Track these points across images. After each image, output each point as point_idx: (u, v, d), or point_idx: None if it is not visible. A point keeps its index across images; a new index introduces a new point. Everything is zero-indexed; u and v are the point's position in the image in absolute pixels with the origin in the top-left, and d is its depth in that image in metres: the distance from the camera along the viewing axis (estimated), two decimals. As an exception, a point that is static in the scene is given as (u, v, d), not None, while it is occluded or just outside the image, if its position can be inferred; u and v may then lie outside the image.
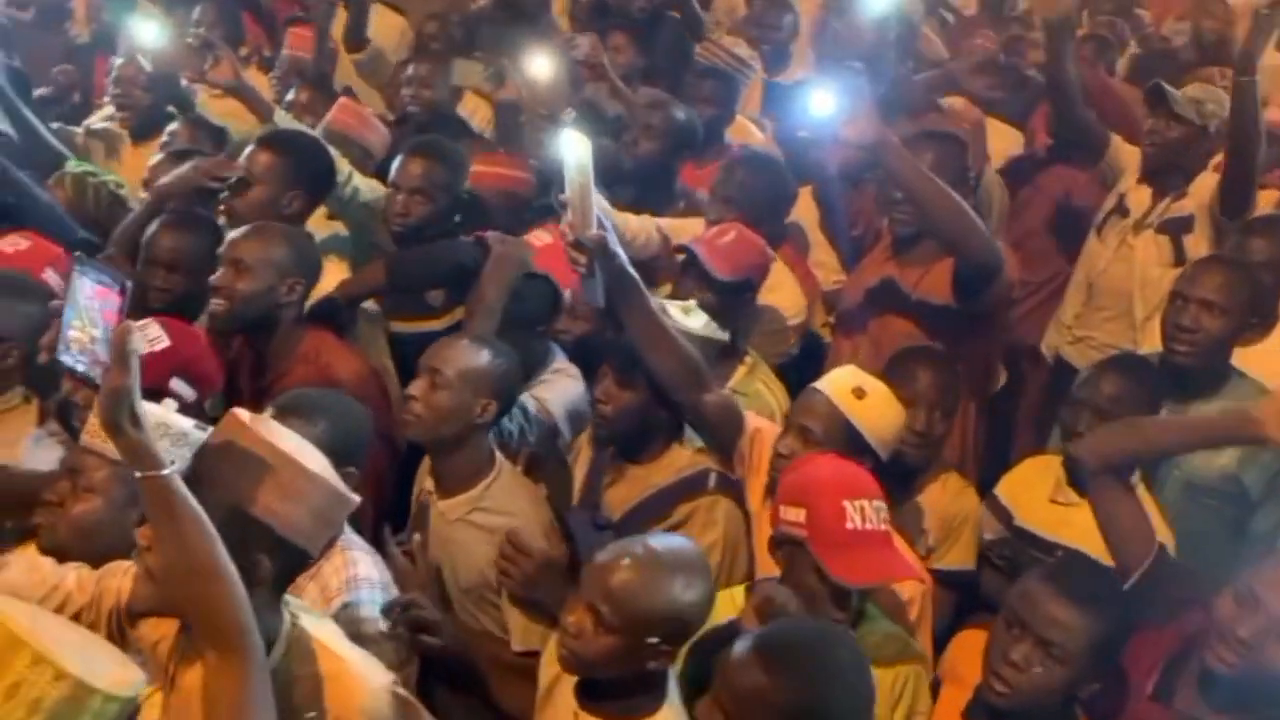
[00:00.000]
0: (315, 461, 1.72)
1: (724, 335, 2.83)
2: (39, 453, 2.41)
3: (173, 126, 3.72)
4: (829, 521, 2.08)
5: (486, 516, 2.44)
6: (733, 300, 2.90)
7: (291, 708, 1.69)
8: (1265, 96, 3.44)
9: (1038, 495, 2.74)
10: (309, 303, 2.85)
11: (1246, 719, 1.96)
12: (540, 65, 3.16)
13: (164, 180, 3.13)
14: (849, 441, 2.40)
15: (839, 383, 2.49)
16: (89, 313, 1.66)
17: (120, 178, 3.33)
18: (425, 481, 2.55)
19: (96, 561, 1.97)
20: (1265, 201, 3.56)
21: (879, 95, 3.12)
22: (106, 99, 4.27)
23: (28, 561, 1.98)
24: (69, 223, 3.11)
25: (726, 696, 1.73)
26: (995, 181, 3.99)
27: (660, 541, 1.94)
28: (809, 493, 2.12)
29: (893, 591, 2.33)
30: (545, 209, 3.31)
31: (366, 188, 3.40)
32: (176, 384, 2.37)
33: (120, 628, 1.86)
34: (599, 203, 2.43)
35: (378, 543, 2.32)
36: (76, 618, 1.87)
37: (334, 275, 3.13)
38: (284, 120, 3.81)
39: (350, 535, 2.22)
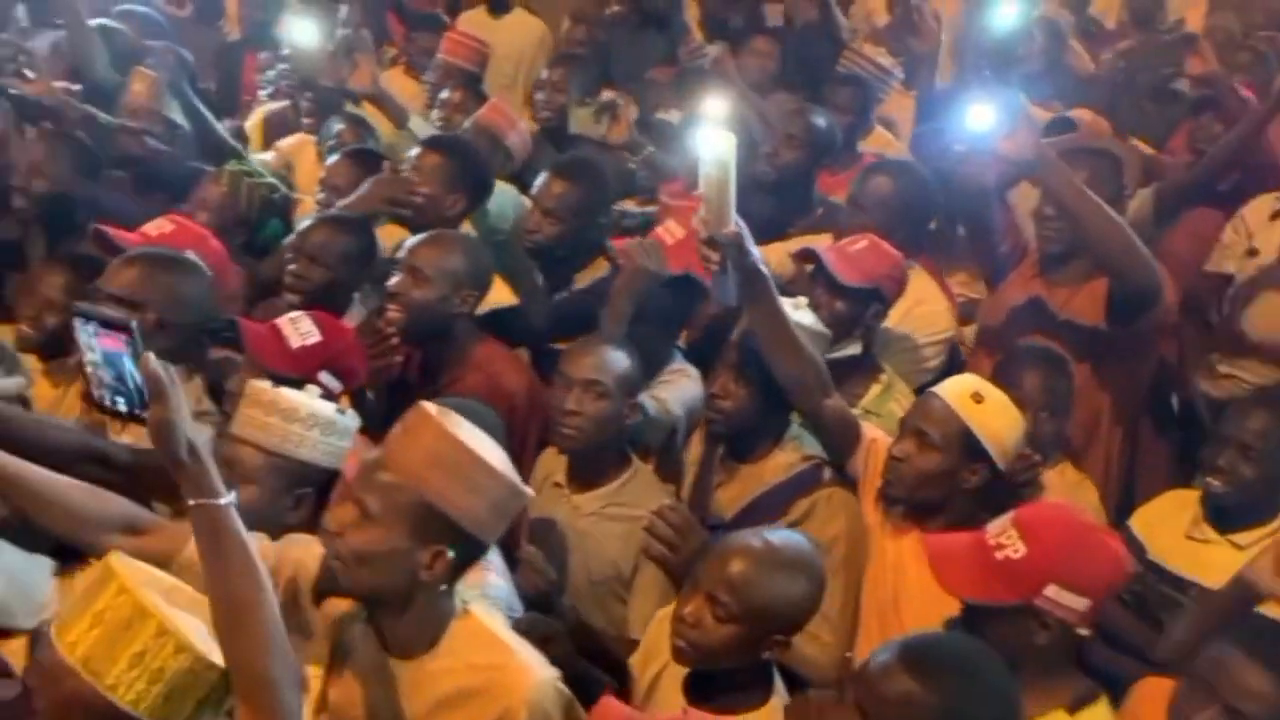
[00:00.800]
0: (495, 456, 1.77)
1: (855, 347, 2.78)
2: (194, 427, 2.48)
3: (337, 127, 3.83)
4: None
5: (622, 510, 2.51)
6: (860, 310, 2.85)
7: (459, 692, 1.73)
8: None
9: (1173, 530, 2.64)
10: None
11: None
12: (716, 106, 3.16)
13: (346, 203, 3.23)
14: (966, 448, 2.36)
15: (957, 387, 2.45)
16: (106, 358, 1.69)
17: (275, 181, 3.42)
18: (553, 474, 2.60)
19: None
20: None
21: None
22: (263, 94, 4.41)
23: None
24: None
25: (871, 702, 1.71)
26: (1147, 200, 3.85)
27: (777, 535, 2.02)
28: (1097, 586, 1.98)
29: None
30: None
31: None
32: (324, 376, 2.43)
33: (294, 597, 1.90)
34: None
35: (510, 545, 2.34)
36: None
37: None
38: (417, 126, 3.91)
39: (494, 555, 2.22)
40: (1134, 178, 3.56)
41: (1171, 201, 3.89)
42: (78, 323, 1.70)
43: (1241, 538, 2.53)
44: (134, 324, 1.65)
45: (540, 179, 3.28)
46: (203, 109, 3.67)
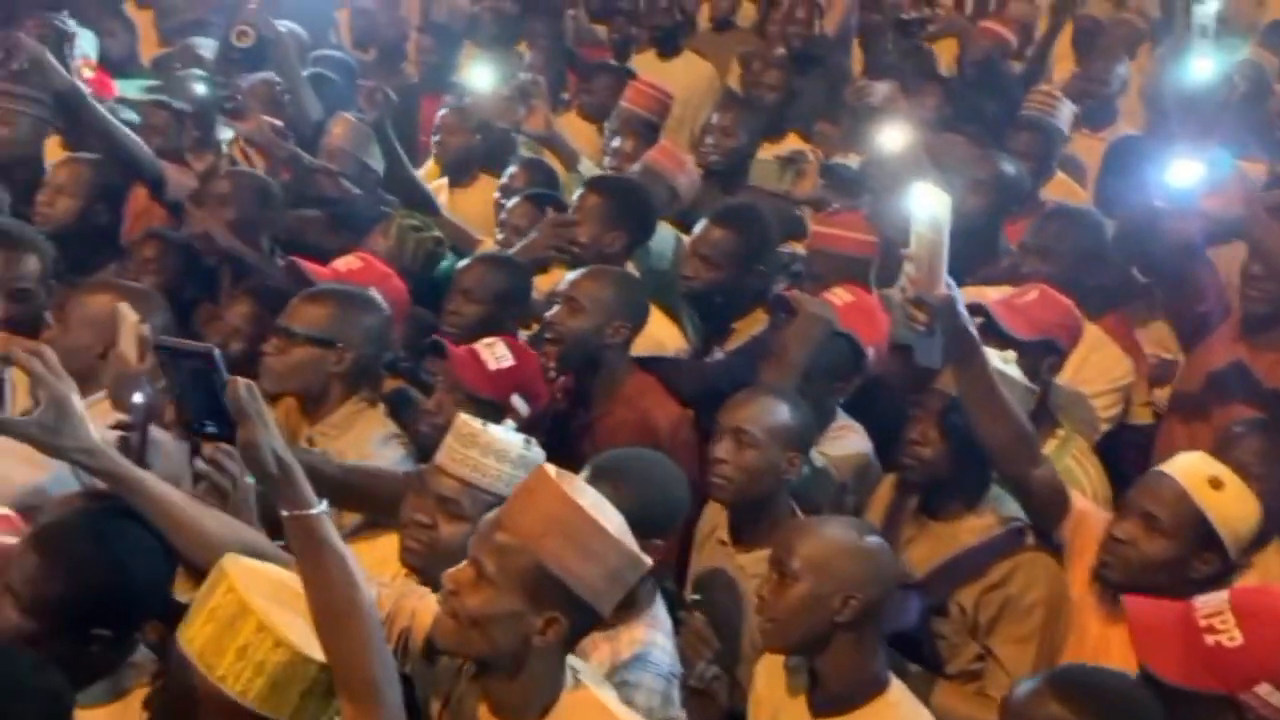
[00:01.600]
0: (613, 521, 1.73)
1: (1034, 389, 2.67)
2: (384, 452, 2.57)
3: (511, 169, 3.91)
4: None
5: None
6: (1034, 363, 2.71)
7: None
8: None
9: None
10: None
11: None
12: (892, 138, 3.10)
13: (518, 249, 3.33)
14: (1199, 537, 2.23)
15: (1192, 469, 2.30)
16: (195, 384, 1.76)
17: (440, 234, 3.50)
18: (718, 529, 2.54)
19: None
20: None
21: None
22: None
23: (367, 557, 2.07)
24: None
25: None
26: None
27: None
28: None
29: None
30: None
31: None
32: (516, 400, 2.51)
33: (405, 647, 1.91)
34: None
35: (670, 593, 2.31)
36: None
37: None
38: (587, 169, 3.95)
39: (658, 609, 2.20)
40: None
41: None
42: (163, 355, 1.80)
43: None
44: (215, 352, 1.73)
45: (699, 225, 3.28)
46: (400, 152, 3.78)
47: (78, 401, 1.81)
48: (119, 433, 1.94)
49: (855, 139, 4.09)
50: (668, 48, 5.53)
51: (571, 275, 2.92)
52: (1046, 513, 2.43)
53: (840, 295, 2.97)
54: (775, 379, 2.73)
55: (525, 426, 2.31)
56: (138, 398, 1.90)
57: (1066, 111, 4.25)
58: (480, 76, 4.23)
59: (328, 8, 6.18)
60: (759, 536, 2.45)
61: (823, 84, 4.94)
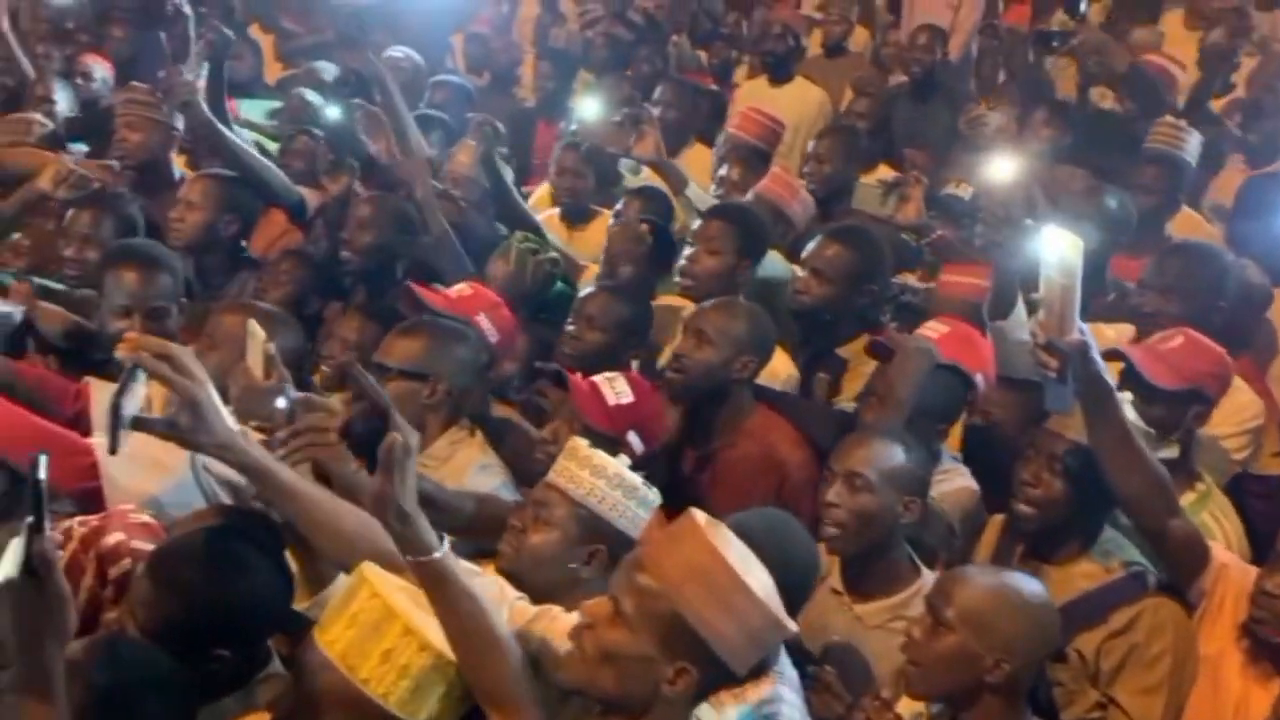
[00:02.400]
0: (759, 580, 1.70)
1: (1173, 451, 2.55)
2: (482, 479, 2.59)
3: (625, 198, 3.93)
4: None
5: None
6: (1178, 413, 2.61)
7: None
8: None
9: None
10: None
11: None
12: (1002, 169, 3.02)
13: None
14: None
15: None
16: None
17: (557, 255, 3.53)
18: (830, 577, 2.47)
19: (537, 593, 2.04)
20: None
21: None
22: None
23: (495, 577, 2.09)
24: None
25: None
26: None
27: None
28: None
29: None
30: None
31: None
32: (632, 437, 2.50)
33: (534, 672, 1.87)
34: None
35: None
36: None
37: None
38: (695, 193, 3.95)
39: (784, 663, 2.10)
40: None
41: None
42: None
43: None
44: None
45: (812, 241, 3.24)
46: (507, 182, 3.84)
47: (213, 398, 1.85)
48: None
49: (966, 168, 4.03)
50: (779, 74, 5.51)
51: (700, 307, 2.89)
52: (1184, 564, 2.33)
53: (935, 327, 2.92)
54: (881, 421, 2.66)
55: (638, 462, 2.31)
56: (281, 403, 1.95)
57: (1194, 144, 4.12)
58: (589, 105, 4.27)
59: (445, 33, 6.34)
60: (876, 585, 2.39)
61: (946, 110, 4.86)
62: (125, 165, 3.84)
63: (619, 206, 3.85)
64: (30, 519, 1.47)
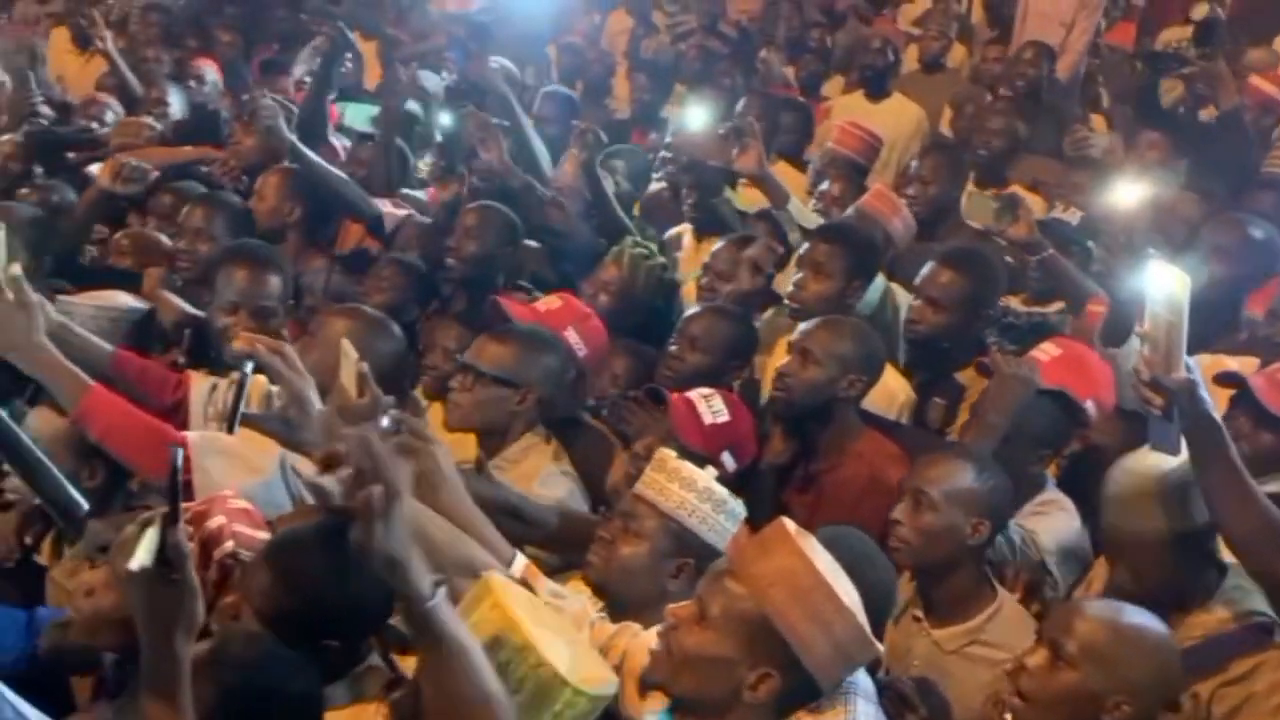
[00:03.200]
0: (848, 594, 1.69)
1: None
2: (550, 485, 2.61)
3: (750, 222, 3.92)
4: None
5: (987, 650, 2.30)
6: (1299, 447, 2.51)
7: None
8: None
9: None
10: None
11: None
12: (1125, 194, 2.96)
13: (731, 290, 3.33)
14: None
15: None
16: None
17: (666, 261, 3.55)
18: (911, 603, 2.43)
19: (627, 606, 2.07)
20: None
21: None
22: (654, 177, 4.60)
23: (581, 596, 2.10)
24: None
25: None
26: None
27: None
28: None
29: None
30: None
31: None
32: (726, 456, 2.49)
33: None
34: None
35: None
36: None
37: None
38: (796, 209, 3.92)
39: (862, 680, 2.07)
40: None
41: None
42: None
43: None
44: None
45: (927, 267, 3.18)
46: (606, 191, 3.86)
47: (315, 398, 1.88)
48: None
49: (1072, 191, 3.93)
50: (876, 89, 5.46)
51: (806, 326, 2.85)
52: None
53: (1047, 350, 2.84)
54: (975, 441, 2.62)
55: (730, 482, 2.29)
56: (385, 423, 1.97)
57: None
58: (693, 116, 4.27)
59: (540, 44, 6.39)
60: (953, 611, 2.35)
61: (1050, 130, 4.76)
62: (237, 169, 3.94)
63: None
64: (166, 510, 1.49)
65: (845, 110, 5.34)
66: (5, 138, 4.24)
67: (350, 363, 2.06)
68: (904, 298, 3.53)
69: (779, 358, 2.93)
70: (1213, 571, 2.29)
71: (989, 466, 2.40)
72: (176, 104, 4.50)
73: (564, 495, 2.59)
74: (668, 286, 3.48)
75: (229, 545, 1.95)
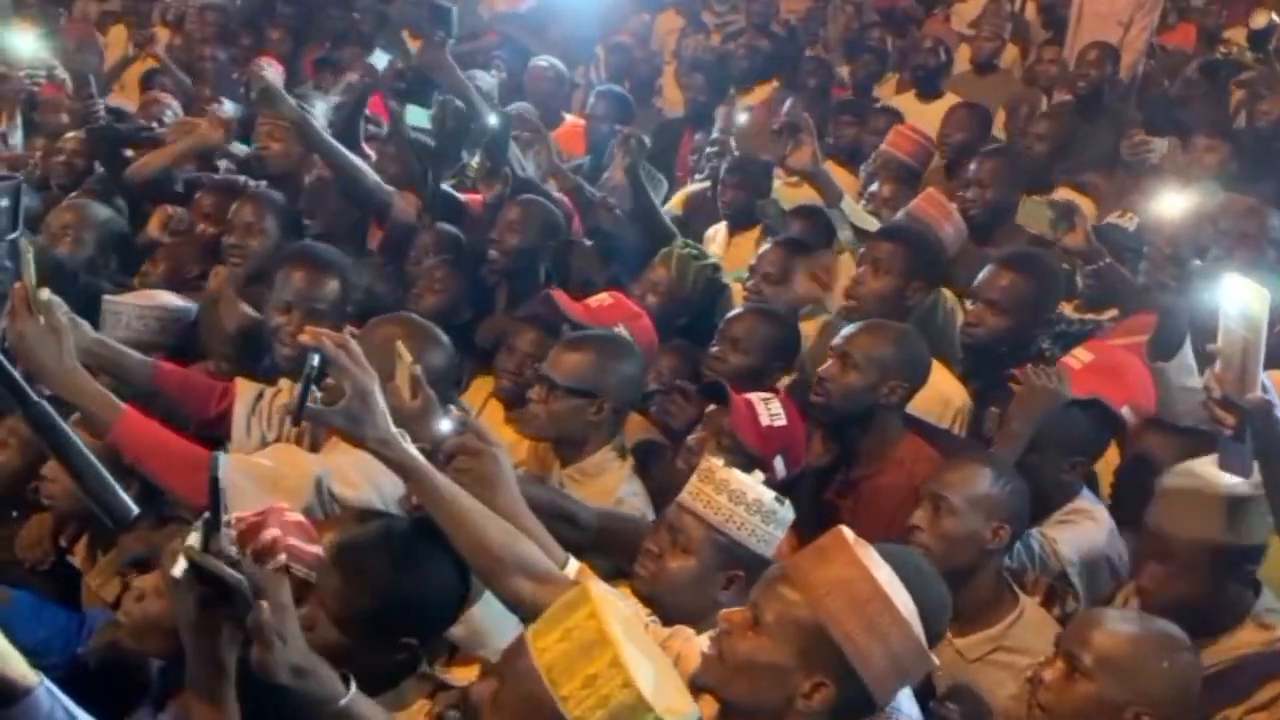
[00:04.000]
0: (906, 605, 1.67)
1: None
2: (625, 505, 2.58)
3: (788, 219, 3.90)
4: None
5: (1010, 656, 2.28)
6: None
7: None
8: None
9: None
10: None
11: None
12: (1171, 205, 2.89)
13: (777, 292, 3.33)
14: None
15: None
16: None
17: (716, 261, 3.53)
18: None
19: (674, 617, 2.03)
20: None
21: None
22: (695, 176, 4.59)
23: (630, 600, 2.09)
24: None
25: None
26: None
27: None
28: None
29: None
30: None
31: None
32: (778, 461, 2.48)
33: None
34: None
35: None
36: None
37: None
38: (849, 208, 3.88)
39: (906, 704, 2.02)
40: None
41: None
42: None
43: None
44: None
45: (987, 269, 3.12)
46: (649, 195, 3.85)
47: (379, 394, 1.88)
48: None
49: (1129, 196, 3.85)
50: (928, 89, 5.41)
51: (847, 330, 2.82)
52: None
53: (1079, 356, 2.81)
54: (999, 450, 2.59)
55: (778, 486, 2.28)
56: (446, 425, 1.99)
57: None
58: (744, 110, 4.25)
59: (590, 44, 6.40)
60: (974, 619, 2.31)
61: (1110, 133, 4.68)
62: (266, 173, 3.97)
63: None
64: (207, 515, 1.49)
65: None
66: (69, 135, 4.30)
67: (404, 365, 2.06)
68: (955, 303, 3.50)
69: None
70: (1249, 594, 2.23)
71: (1007, 471, 2.39)
72: (229, 103, 4.55)
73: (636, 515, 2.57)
74: (717, 287, 3.45)
75: (281, 559, 1.94)
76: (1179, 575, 2.16)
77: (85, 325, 2.49)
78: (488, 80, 5.00)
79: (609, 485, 2.62)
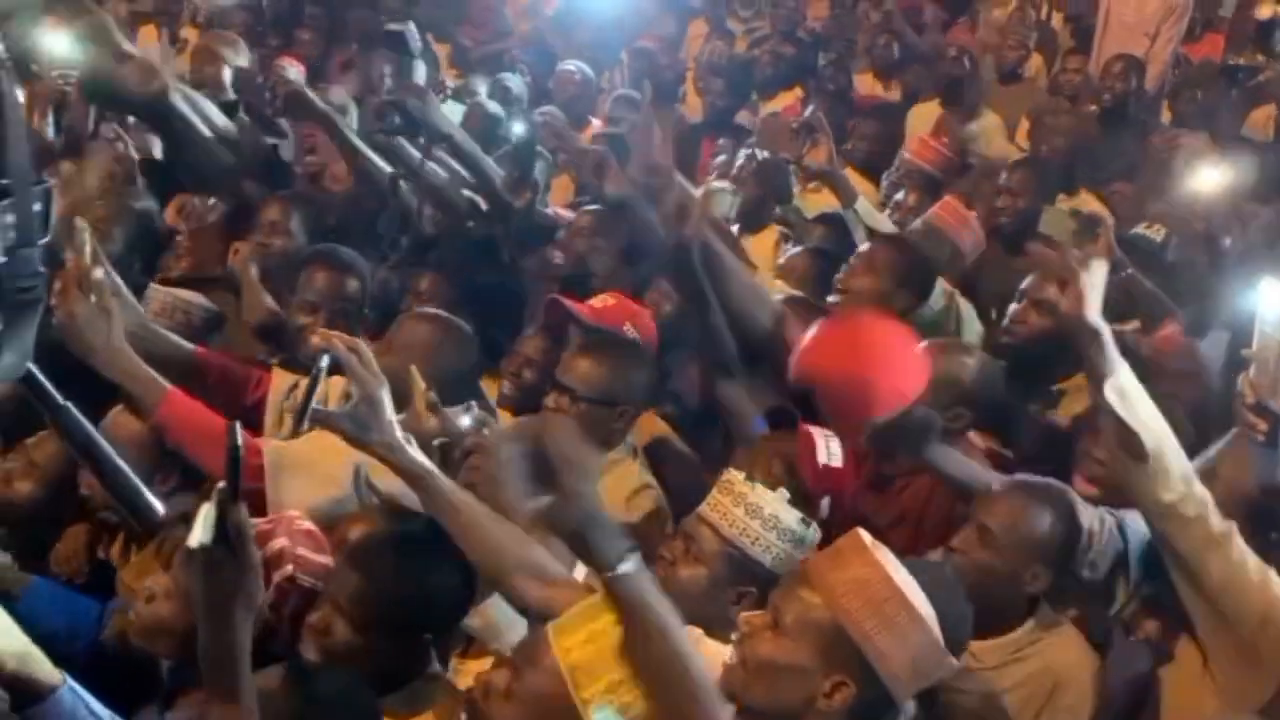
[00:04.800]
0: (922, 604, 1.67)
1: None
2: (637, 503, 2.58)
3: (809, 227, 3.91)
4: None
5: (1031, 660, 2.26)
6: None
7: None
8: None
9: None
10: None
11: None
12: (1209, 178, 2.86)
13: None
14: None
15: None
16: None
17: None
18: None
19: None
20: None
21: None
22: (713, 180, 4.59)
23: None
24: None
25: None
26: None
27: None
28: None
29: None
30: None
31: None
32: (824, 502, 2.36)
33: None
34: None
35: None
36: None
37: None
38: (864, 209, 3.89)
39: None
40: None
41: None
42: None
43: None
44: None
45: (1034, 274, 3.06)
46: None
47: (387, 399, 1.89)
48: None
49: (1157, 195, 3.83)
50: (953, 99, 5.40)
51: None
52: None
53: None
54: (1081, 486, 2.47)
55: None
56: (468, 420, 2.04)
57: None
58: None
59: (616, 48, 6.40)
60: (994, 628, 2.23)
61: (1134, 144, 4.67)
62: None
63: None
64: (223, 485, 1.46)
65: (921, 118, 5.29)
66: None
67: (419, 395, 2.10)
68: (971, 312, 3.50)
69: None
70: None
71: (1067, 516, 2.27)
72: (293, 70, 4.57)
73: (648, 512, 2.57)
74: None
75: (289, 569, 1.94)
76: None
77: (134, 305, 2.52)
78: (517, 84, 5.02)
79: (618, 484, 2.59)
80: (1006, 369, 3.03)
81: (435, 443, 2.07)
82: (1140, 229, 3.64)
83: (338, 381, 2.48)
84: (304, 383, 2.64)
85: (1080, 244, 3.21)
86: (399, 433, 1.90)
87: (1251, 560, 2.00)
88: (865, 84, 5.89)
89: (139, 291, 3.21)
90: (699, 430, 3.01)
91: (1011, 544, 2.23)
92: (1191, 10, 5.30)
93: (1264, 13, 5.50)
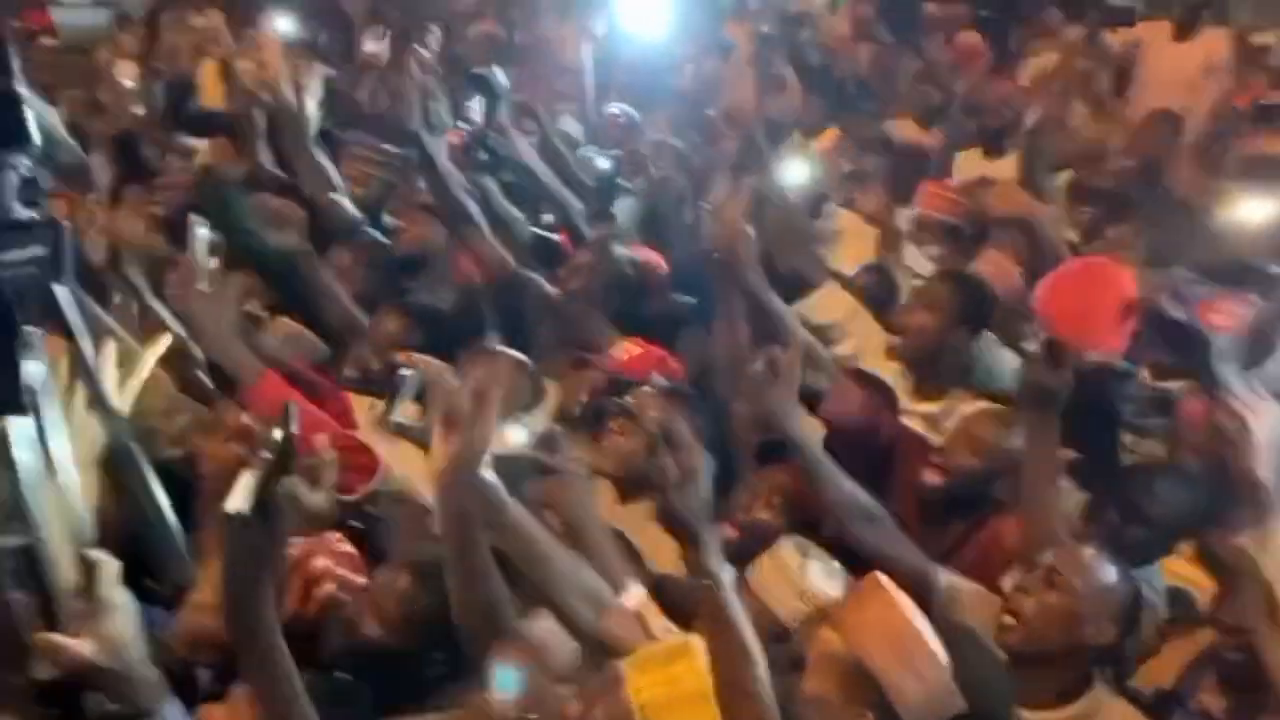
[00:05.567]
0: (934, 642, 1.80)
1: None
2: None
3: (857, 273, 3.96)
4: None
5: None
6: None
7: None
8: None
9: None
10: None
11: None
12: (1254, 208, 2.89)
13: None
14: None
15: None
16: None
17: None
18: None
19: None
20: None
21: None
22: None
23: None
24: None
25: None
26: None
27: None
28: None
29: None
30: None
31: None
32: None
33: None
34: None
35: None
36: None
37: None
38: (909, 254, 3.93)
39: None
40: None
41: None
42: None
43: None
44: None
45: None
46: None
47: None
48: None
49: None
50: (995, 146, 5.43)
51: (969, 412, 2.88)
52: None
53: None
54: None
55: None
56: (519, 437, 2.19)
57: None
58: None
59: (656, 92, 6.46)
60: (1046, 698, 2.16)
61: (1170, 201, 4.68)
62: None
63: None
64: (272, 458, 1.47)
65: (966, 167, 5.32)
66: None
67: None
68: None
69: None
70: None
71: (1132, 578, 2.24)
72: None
73: None
74: None
75: (330, 587, 2.05)
76: None
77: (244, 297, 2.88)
78: (573, 126, 5.09)
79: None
80: None
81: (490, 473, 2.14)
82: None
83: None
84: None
85: None
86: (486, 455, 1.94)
87: None
88: (906, 129, 5.92)
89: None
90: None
91: (1081, 592, 2.16)
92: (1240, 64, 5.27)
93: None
